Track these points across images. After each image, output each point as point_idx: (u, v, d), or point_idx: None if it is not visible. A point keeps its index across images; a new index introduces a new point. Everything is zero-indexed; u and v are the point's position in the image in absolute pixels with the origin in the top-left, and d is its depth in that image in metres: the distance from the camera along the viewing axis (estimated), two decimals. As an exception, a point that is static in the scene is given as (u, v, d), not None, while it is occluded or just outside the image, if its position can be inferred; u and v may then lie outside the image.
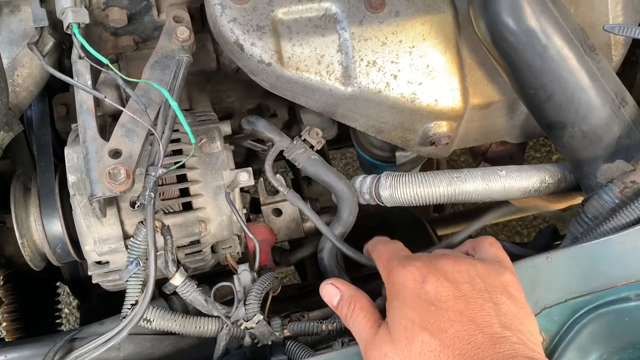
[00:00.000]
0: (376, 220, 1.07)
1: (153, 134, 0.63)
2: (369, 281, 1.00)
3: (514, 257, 0.74)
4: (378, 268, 0.64)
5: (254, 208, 0.97)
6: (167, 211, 0.71)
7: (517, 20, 0.67)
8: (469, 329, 0.51)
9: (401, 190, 0.72)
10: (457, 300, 0.53)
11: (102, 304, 0.93)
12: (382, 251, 0.64)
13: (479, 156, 1.02)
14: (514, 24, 0.67)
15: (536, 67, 0.68)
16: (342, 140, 1.26)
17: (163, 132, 0.64)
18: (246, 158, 1.23)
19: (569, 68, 0.68)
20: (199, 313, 0.68)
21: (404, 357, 0.52)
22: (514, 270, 0.58)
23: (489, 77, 0.80)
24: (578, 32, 0.69)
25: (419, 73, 0.76)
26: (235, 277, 0.69)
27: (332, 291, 0.65)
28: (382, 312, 0.60)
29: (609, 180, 0.69)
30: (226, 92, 1.01)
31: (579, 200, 0.78)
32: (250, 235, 0.69)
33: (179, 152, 0.72)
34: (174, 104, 0.63)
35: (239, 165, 1.19)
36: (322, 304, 0.87)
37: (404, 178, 0.72)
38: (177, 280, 0.65)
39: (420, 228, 1.28)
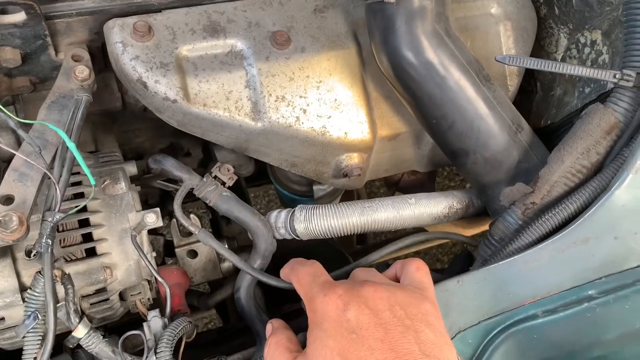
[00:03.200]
0: (297, 254, 1.06)
1: (50, 178, 0.60)
2: (296, 317, 0.98)
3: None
4: (299, 293, 0.62)
5: (168, 251, 0.93)
6: (68, 259, 0.67)
7: (415, 53, 0.69)
8: (388, 357, 0.51)
9: (315, 222, 0.72)
10: (377, 328, 0.52)
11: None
12: (301, 275, 0.62)
13: (392, 186, 1.05)
14: (413, 57, 0.70)
15: (436, 98, 0.71)
16: (261, 177, 1.26)
17: (60, 175, 0.61)
18: (160, 199, 1.20)
19: (467, 97, 0.71)
20: (107, 366, 0.64)
21: None
22: (434, 299, 0.58)
23: (394, 109, 0.82)
24: (473, 64, 0.73)
25: (327, 107, 0.77)
26: (145, 324, 0.65)
27: (268, 330, 0.64)
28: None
29: (511, 203, 0.72)
30: (135, 131, 0.98)
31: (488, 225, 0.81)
32: (160, 280, 0.66)
33: (80, 195, 0.68)
34: (71, 145, 0.60)
35: (153, 207, 1.17)
36: (244, 347, 0.85)
37: (317, 210, 0.72)
38: (80, 332, 0.61)
39: (343, 259, 1.28)
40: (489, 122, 0.73)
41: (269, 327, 0.64)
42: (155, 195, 1.14)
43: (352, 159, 0.80)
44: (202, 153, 1.10)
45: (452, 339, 0.63)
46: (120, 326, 0.78)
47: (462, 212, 0.81)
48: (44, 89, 0.77)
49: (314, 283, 0.59)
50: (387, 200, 0.74)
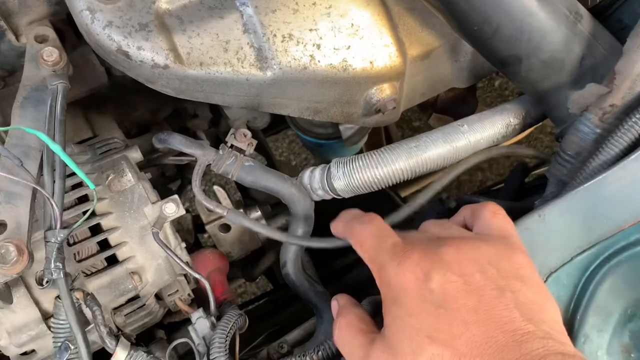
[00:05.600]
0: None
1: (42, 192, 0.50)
2: (344, 275, 0.91)
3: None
4: (362, 257, 0.52)
5: (199, 227, 0.85)
6: (88, 272, 0.58)
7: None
8: (487, 329, 0.42)
9: (357, 176, 0.61)
10: (469, 296, 0.43)
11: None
12: (363, 236, 0.52)
13: (428, 109, 0.93)
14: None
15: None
16: (278, 124, 1.14)
17: (54, 184, 0.51)
18: (178, 169, 1.10)
19: (511, -9, 0.58)
20: (159, 381, 0.57)
21: None
22: (524, 247, 0.48)
23: (422, 22, 0.69)
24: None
25: (344, 36, 0.65)
26: (190, 328, 0.57)
27: (334, 307, 0.55)
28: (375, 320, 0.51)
29: (583, 109, 0.61)
30: (131, 105, 0.87)
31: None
32: (197, 276, 0.58)
33: (84, 198, 0.59)
34: (55, 148, 0.50)
35: (171, 180, 1.07)
36: (299, 315, 0.77)
37: (356, 162, 0.62)
38: (120, 355, 0.53)
39: (382, 194, 1.19)
40: (541, 17, 0.60)
41: (334, 304, 0.54)
42: (170, 167, 1.05)
43: (384, 91, 0.69)
44: (210, 112, 0.99)
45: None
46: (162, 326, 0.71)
47: (520, 128, 0.70)
48: (14, 81, 0.66)
49: (381, 248, 0.49)
50: (436, 133, 0.63)
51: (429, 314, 0.43)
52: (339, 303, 0.54)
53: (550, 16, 0.61)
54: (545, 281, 0.54)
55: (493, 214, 0.51)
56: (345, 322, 0.51)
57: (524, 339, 0.40)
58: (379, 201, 1.14)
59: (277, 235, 0.63)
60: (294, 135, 1.92)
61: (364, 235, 0.51)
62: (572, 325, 0.52)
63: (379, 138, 1.35)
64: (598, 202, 0.54)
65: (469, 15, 0.61)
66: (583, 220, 0.54)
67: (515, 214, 0.56)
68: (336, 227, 0.58)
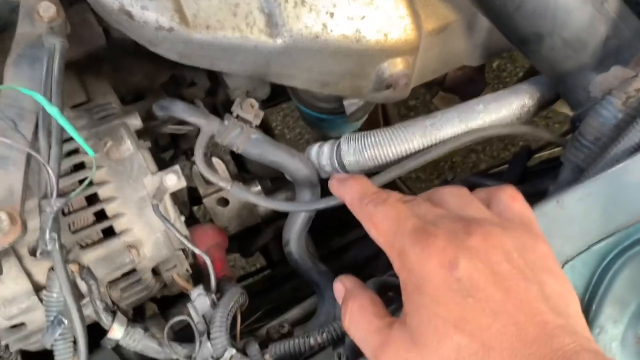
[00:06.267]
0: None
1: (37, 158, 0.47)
2: (341, 254, 0.89)
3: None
4: (376, 240, 0.48)
5: (194, 200, 0.82)
6: (84, 244, 0.55)
7: None
8: (516, 321, 0.39)
9: (369, 153, 0.59)
10: (497, 287, 0.41)
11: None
12: (379, 218, 0.47)
13: (434, 87, 0.90)
14: None
15: (502, -29, 0.55)
16: (276, 96, 1.11)
17: (50, 150, 0.48)
18: (172, 138, 1.06)
19: (539, -36, 0.55)
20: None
21: None
22: (544, 236, 0.46)
23: (440, -6, 0.66)
24: None
25: (358, 4, 0.61)
26: (189, 305, 0.55)
27: (338, 289, 0.51)
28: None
29: (606, 93, 0.58)
30: (129, 70, 0.83)
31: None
32: (198, 252, 0.55)
33: (81, 166, 0.56)
34: (53, 111, 0.46)
35: (164, 149, 1.03)
36: (297, 293, 0.75)
37: (369, 139, 0.59)
38: (117, 332, 0.51)
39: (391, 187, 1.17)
40: (567, -8, 0.58)
41: (339, 287, 0.51)
42: (165, 136, 1.01)
43: (396, 66, 0.66)
44: (209, 81, 0.96)
45: (559, 272, 0.52)
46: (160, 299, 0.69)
47: (534, 110, 0.67)
48: (8, 39, 0.61)
49: (400, 231, 0.45)
50: (451, 112, 0.61)
51: (456, 303, 0.40)
52: (346, 286, 0.51)
53: (577, -7, 0.58)
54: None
55: (512, 198, 0.48)
56: (357, 306, 0.48)
57: (555, 333, 0.38)
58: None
59: (284, 206, 0.61)
60: (288, 109, 1.89)
61: (380, 217, 0.47)
62: (587, 315, 0.51)
63: (375, 114, 1.32)
64: (619, 190, 0.52)
65: (492, -12, 0.58)
66: (602, 208, 0.52)
67: (527, 198, 0.54)
68: (342, 192, 0.53)
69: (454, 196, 0.49)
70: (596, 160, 0.57)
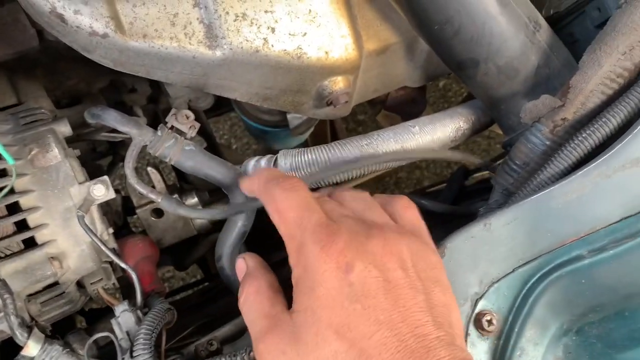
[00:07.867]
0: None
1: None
2: (279, 269, 0.88)
3: (430, 215, 0.63)
4: (278, 228, 0.47)
5: (129, 210, 0.80)
6: (2, 255, 0.53)
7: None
8: (399, 332, 0.40)
9: (305, 171, 0.59)
10: (387, 295, 0.41)
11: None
12: (285, 207, 0.46)
13: (377, 105, 0.91)
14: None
15: (440, -2, 0.57)
16: (221, 105, 1.10)
17: (-34, 156, 0.45)
18: (110, 145, 1.03)
19: (476, -7, 0.57)
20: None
21: None
22: (434, 245, 0.48)
23: (382, 16, 0.67)
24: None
25: (300, 21, 0.62)
26: (113, 321, 0.53)
27: (240, 267, 0.51)
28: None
29: (535, 120, 0.60)
30: (64, 73, 0.80)
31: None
32: (124, 266, 0.53)
33: (2, 173, 0.53)
34: (-30, 116, 0.44)
35: (102, 155, 1.00)
36: (232, 307, 0.74)
37: (305, 156, 0.59)
38: (32, 349, 0.48)
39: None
40: (502, 22, 0.60)
41: (240, 264, 0.50)
42: (103, 142, 0.98)
43: (337, 84, 0.66)
44: (149, 88, 0.94)
45: (484, 292, 0.53)
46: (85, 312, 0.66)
47: (469, 133, 0.69)
48: None
49: (304, 224, 0.44)
50: (387, 132, 0.61)
51: (342, 309, 0.41)
52: (248, 264, 0.50)
53: (512, 22, 0.60)
54: (486, 291, 0.53)
55: (405, 207, 0.50)
56: (255, 287, 0.47)
57: (433, 345, 0.40)
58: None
59: (216, 215, 0.60)
60: (236, 118, 1.87)
61: (286, 205, 0.46)
62: (509, 337, 0.52)
63: (323, 127, 1.32)
64: (543, 215, 0.54)
65: (431, 13, 0.59)
66: (527, 232, 0.54)
67: (458, 219, 0.56)
68: (250, 184, 0.52)
69: (357, 199, 0.50)
70: (524, 185, 0.59)
